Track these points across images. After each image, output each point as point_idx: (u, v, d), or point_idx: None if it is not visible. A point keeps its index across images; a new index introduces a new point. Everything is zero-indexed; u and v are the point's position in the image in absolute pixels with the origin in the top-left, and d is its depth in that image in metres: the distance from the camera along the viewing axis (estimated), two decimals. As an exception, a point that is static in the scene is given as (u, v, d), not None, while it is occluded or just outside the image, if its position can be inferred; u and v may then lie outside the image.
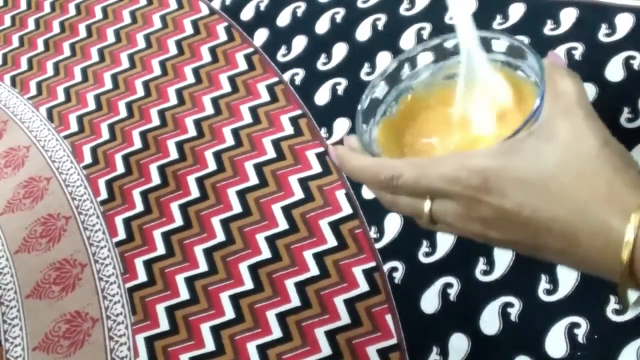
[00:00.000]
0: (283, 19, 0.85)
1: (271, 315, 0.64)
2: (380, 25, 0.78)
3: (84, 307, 0.73)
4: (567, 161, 0.36)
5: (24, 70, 0.98)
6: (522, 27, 0.69)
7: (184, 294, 0.69)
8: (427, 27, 0.75)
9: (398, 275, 0.62)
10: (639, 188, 0.35)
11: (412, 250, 0.62)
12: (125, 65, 0.91)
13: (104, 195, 0.80)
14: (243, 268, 0.68)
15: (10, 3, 1.09)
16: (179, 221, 0.74)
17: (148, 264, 0.73)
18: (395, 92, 0.49)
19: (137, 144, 0.82)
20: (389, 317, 0.60)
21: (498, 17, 0.71)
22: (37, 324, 0.74)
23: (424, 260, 0.61)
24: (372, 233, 0.65)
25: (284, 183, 0.72)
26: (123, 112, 0.86)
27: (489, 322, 0.56)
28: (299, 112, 0.76)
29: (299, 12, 0.85)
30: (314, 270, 0.65)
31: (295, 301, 0.64)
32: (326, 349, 0.61)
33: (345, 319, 0.62)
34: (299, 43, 0.82)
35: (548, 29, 0.67)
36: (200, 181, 0.76)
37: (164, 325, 0.68)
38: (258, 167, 0.74)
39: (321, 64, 0.79)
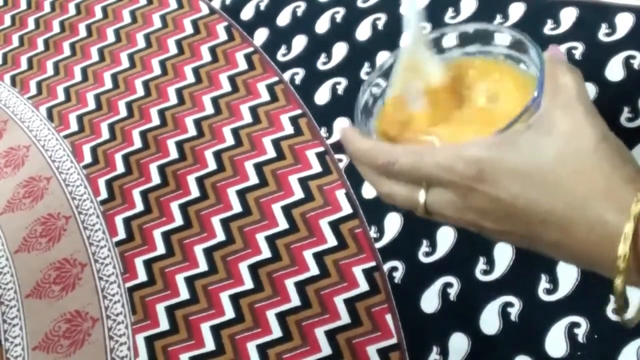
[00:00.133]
0: (283, 19, 0.85)
1: (271, 315, 0.64)
2: (380, 24, 0.78)
3: (84, 306, 0.73)
4: (565, 155, 0.36)
5: (24, 70, 0.98)
6: (522, 27, 0.69)
7: (184, 294, 0.69)
8: (427, 27, 0.75)
9: (398, 275, 0.62)
10: (637, 183, 0.35)
11: (412, 250, 0.62)
12: (125, 65, 0.91)
13: (104, 194, 0.80)
14: (243, 268, 0.68)
15: (10, 3, 1.09)
16: (179, 221, 0.74)
17: (148, 264, 0.73)
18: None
19: (137, 143, 0.82)
20: (389, 317, 0.60)
21: (498, 16, 0.71)
22: (37, 324, 0.74)
23: (424, 260, 0.61)
24: (372, 233, 0.65)
25: (284, 183, 0.72)
26: (123, 112, 0.86)
27: (489, 321, 0.56)
28: (299, 111, 0.76)
29: (299, 12, 0.85)
30: (314, 270, 0.65)
31: (295, 301, 0.64)
32: (326, 349, 0.61)
33: (345, 318, 0.62)
34: (299, 43, 0.82)
35: (548, 29, 0.67)
36: (200, 181, 0.76)
37: (164, 324, 0.68)
38: (258, 167, 0.74)
39: (321, 64, 0.79)
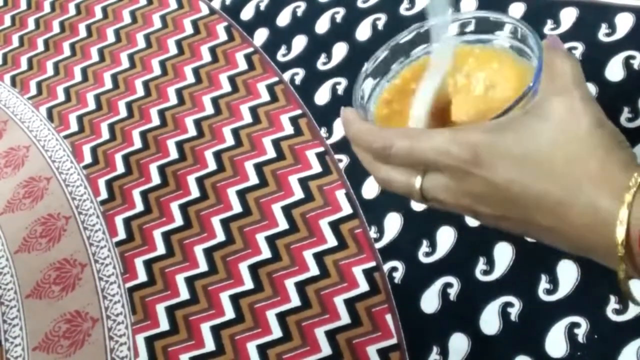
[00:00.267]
0: (283, 19, 0.85)
1: (271, 315, 0.64)
2: (380, 25, 0.78)
3: (84, 307, 0.73)
4: (561, 140, 0.36)
5: (24, 70, 0.98)
6: (522, 27, 0.69)
7: (184, 294, 0.69)
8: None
9: (398, 275, 0.62)
10: (631, 168, 0.35)
11: (412, 250, 0.62)
12: (125, 65, 0.91)
13: (104, 195, 0.80)
14: (243, 268, 0.68)
15: (10, 3, 1.09)
16: (179, 221, 0.74)
17: (148, 264, 0.73)
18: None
19: (137, 143, 0.82)
20: (389, 317, 0.60)
21: (498, 16, 0.71)
22: (37, 324, 0.74)
23: (424, 260, 0.61)
24: (372, 233, 0.65)
25: (284, 183, 0.72)
26: (123, 112, 0.86)
27: (489, 322, 0.56)
28: (299, 111, 0.76)
29: (299, 12, 0.85)
30: (314, 270, 0.65)
31: (295, 301, 0.64)
32: (326, 349, 0.61)
33: (345, 318, 0.62)
34: (299, 43, 0.82)
35: (548, 29, 0.67)
36: (200, 181, 0.76)
37: (164, 325, 0.68)
38: (258, 167, 0.74)
39: (321, 64, 0.79)
